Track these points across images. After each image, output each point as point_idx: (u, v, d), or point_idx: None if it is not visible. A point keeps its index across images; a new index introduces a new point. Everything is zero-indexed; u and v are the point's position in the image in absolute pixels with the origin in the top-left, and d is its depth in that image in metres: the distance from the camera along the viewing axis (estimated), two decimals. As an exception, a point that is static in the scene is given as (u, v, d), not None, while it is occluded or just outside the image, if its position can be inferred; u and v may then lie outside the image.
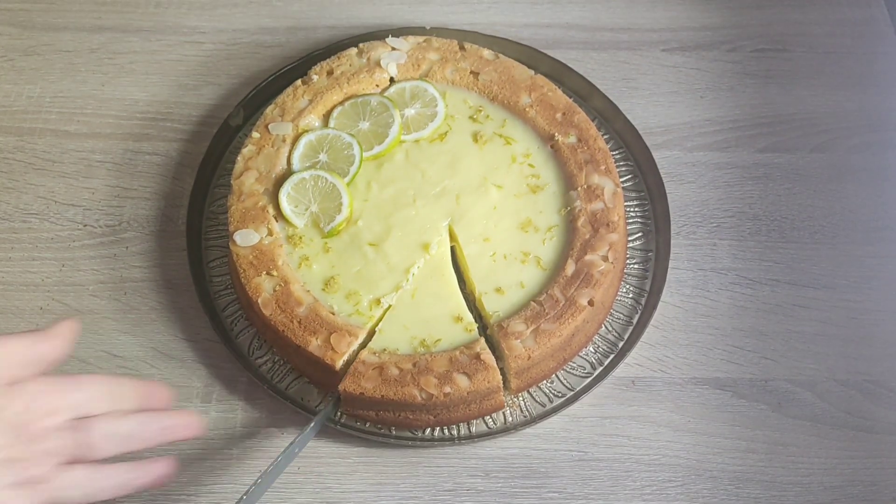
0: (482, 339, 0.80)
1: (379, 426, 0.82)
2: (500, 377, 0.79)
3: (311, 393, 0.84)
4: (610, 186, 0.88)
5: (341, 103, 0.93)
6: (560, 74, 1.01)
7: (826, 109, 1.04)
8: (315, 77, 0.95)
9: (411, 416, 0.80)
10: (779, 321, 0.90)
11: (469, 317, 0.82)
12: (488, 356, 0.79)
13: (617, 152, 0.97)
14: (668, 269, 0.89)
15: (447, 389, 0.76)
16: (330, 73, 0.95)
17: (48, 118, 1.02)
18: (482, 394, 0.78)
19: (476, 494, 0.81)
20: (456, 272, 0.90)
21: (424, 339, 0.80)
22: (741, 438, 0.84)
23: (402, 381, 0.77)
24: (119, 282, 0.92)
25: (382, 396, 0.77)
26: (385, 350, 0.80)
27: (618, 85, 1.05)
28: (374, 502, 0.81)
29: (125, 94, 1.04)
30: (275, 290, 0.82)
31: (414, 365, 0.78)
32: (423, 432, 0.82)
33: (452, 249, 0.88)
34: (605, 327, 0.88)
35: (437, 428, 0.82)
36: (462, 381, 0.77)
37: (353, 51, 0.97)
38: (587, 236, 0.85)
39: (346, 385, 0.78)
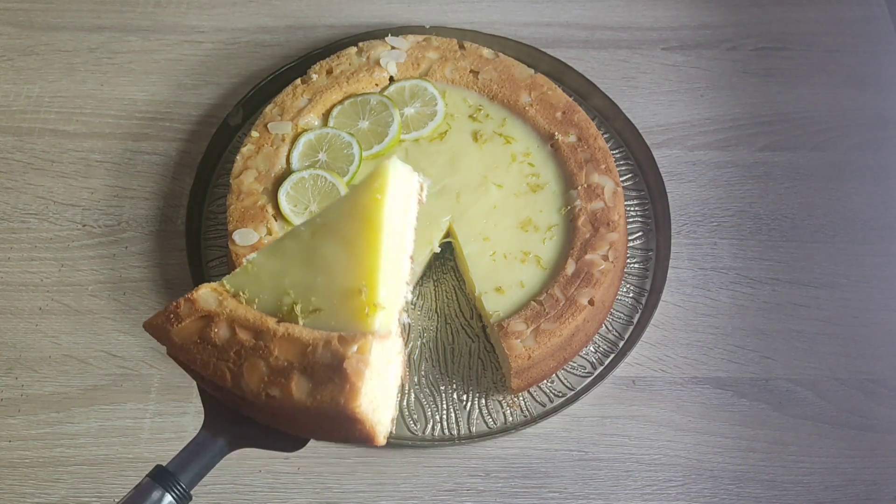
0: (370, 339, 0.52)
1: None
2: (360, 402, 0.51)
3: (311, 393, 0.83)
4: (610, 185, 0.87)
5: (341, 102, 0.93)
6: (560, 73, 1.01)
7: (826, 108, 1.04)
8: (314, 76, 0.95)
9: (241, 404, 0.56)
10: (779, 320, 0.90)
11: (379, 295, 0.53)
12: (356, 367, 0.51)
13: (617, 151, 0.97)
14: (669, 269, 0.89)
15: (273, 392, 0.52)
16: (329, 72, 0.95)
17: (47, 118, 1.02)
18: (329, 416, 0.52)
19: (476, 494, 0.81)
20: (456, 272, 0.90)
21: (297, 302, 0.54)
22: (742, 438, 0.84)
23: (223, 350, 0.54)
24: (118, 282, 0.92)
25: (187, 362, 0.55)
26: (239, 295, 0.56)
27: (618, 84, 1.05)
28: (374, 502, 0.81)
29: (124, 94, 1.04)
30: (274, 290, 0.82)
31: (256, 335, 0.54)
32: (423, 432, 0.82)
33: (449, 247, 0.88)
34: (606, 327, 0.88)
35: (432, 427, 0.82)
36: (299, 387, 0.52)
37: (353, 50, 0.97)
38: (587, 235, 0.84)
39: (151, 325, 0.56)
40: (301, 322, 0.54)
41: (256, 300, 0.55)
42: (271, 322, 0.54)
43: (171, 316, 0.55)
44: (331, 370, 0.51)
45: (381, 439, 0.54)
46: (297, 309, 0.54)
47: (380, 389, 0.53)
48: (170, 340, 0.55)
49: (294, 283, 0.55)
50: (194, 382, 0.85)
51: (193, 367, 0.55)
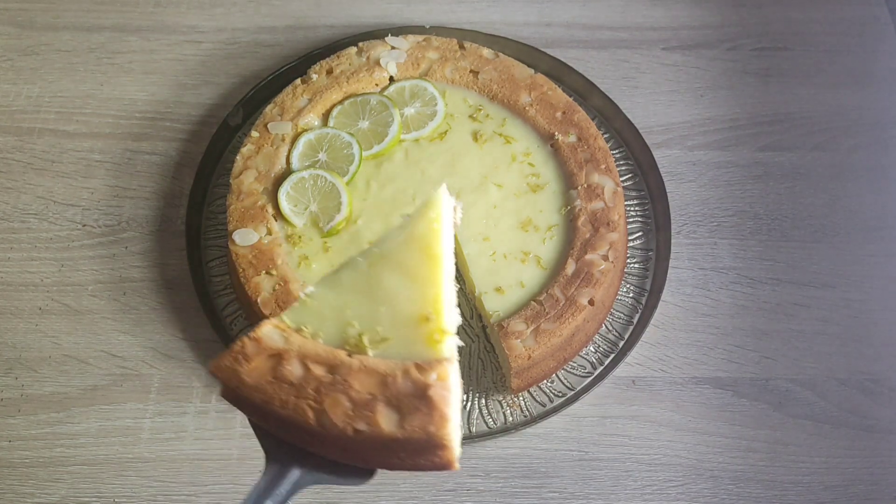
0: (447, 363, 0.52)
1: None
2: (451, 429, 0.51)
3: (311, 393, 0.83)
4: (610, 185, 0.87)
5: (341, 102, 0.93)
6: (560, 73, 1.01)
7: (826, 108, 1.04)
8: (314, 76, 0.95)
9: (310, 440, 0.55)
10: (779, 320, 0.90)
11: (445, 321, 0.54)
12: (441, 393, 0.51)
13: (617, 151, 0.97)
14: (669, 269, 0.89)
15: (359, 425, 0.51)
16: (329, 72, 0.95)
17: (47, 118, 1.02)
18: (416, 445, 0.52)
19: (476, 494, 0.81)
20: (456, 272, 0.90)
21: (364, 333, 0.54)
22: (742, 438, 0.84)
23: (300, 388, 0.53)
24: (118, 282, 0.92)
25: (264, 402, 0.53)
26: (302, 330, 0.55)
27: (618, 84, 1.05)
28: (374, 502, 0.81)
29: (124, 94, 1.04)
30: (274, 290, 0.82)
31: (330, 369, 0.53)
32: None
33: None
34: (606, 327, 0.88)
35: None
36: (387, 420, 0.51)
37: (353, 50, 0.97)
38: (587, 235, 0.84)
39: (220, 368, 0.54)
40: (370, 353, 0.54)
41: (321, 334, 0.55)
42: (342, 355, 0.53)
43: (239, 356, 0.54)
44: (416, 399, 0.51)
45: (458, 464, 0.54)
46: (365, 340, 0.54)
47: (455, 414, 0.54)
48: (241, 381, 0.53)
49: (357, 315, 0.55)
50: (194, 383, 0.86)
51: (271, 406, 0.53)
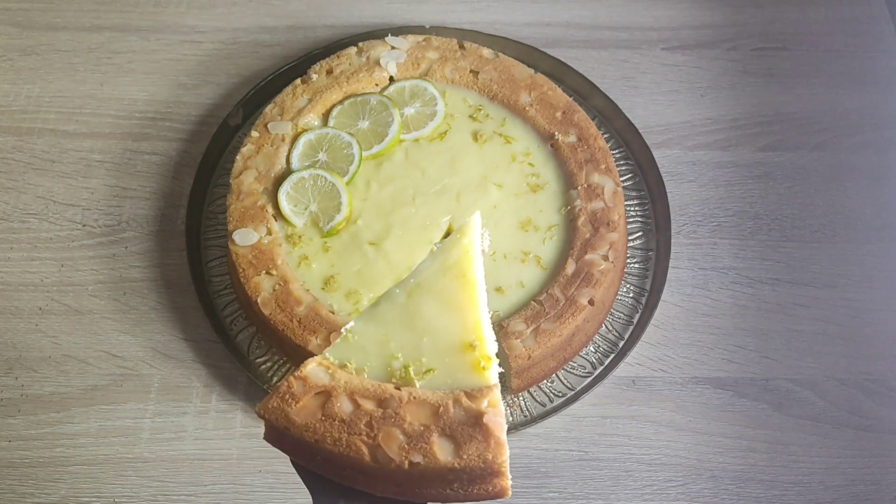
0: (495, 389, 0.54)
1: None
2: (506, 455, 0.52)
3: (311, 393, 0.83)
4: (610, 185, 0.87)
5: (341, 102, 0.93)
6: (560, 73, 1.01)
7: (826, 108, 1.04)
8: (314, 76, 0.95)
9: (360, 478, 0.55)
10: (780, 320, 0.90)
11: (488, 347, 0.55)
12: (496, 419, 0.52)
13: (617, 151, 0.97)
14: (669, 269, 0.89)
15: (415, 458, 0.51)
16: (329, 72, 0.95)
17: (47, 118, 1.02)
18: (472, 474, 0.52)
19: (476, 494, 0.81)
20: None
21: (409, 364, 0.55)
22: (742, 438, 0.84)
23: (352, 424, 0.52)
24: (118, 282, 0.92)
25: (316, 441, 0.53)
26: (346, 366, 0.55)
27: (618, 83, 1.05)
28: (374, 502, 0.81)
29: (124, 94, 1.04)
30: (274, 290, 0.82)
31: (379, 403, 0.53)
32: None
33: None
34: (606, 327, 0.88)
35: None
36: (442, 450, 0.52)
37: (353, 50, 0.97)
38: (587, 235, 0.84)
39: (269, 410, 0.54)
40: (418, 384, 0.54)
41: (366, 368, 0.55)
42: (390, 388, 0.54)
43: (287, 396, 0.54)
44: (470, 427, 0.51)
45: (510, 491, 0.54)
46: (412, 371, 0.54)
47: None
48: (291, 422, 0.53)
49: (400, 347, 0.55)
50: (194, 383, 0.86)
51: (322, 445, 0.53)
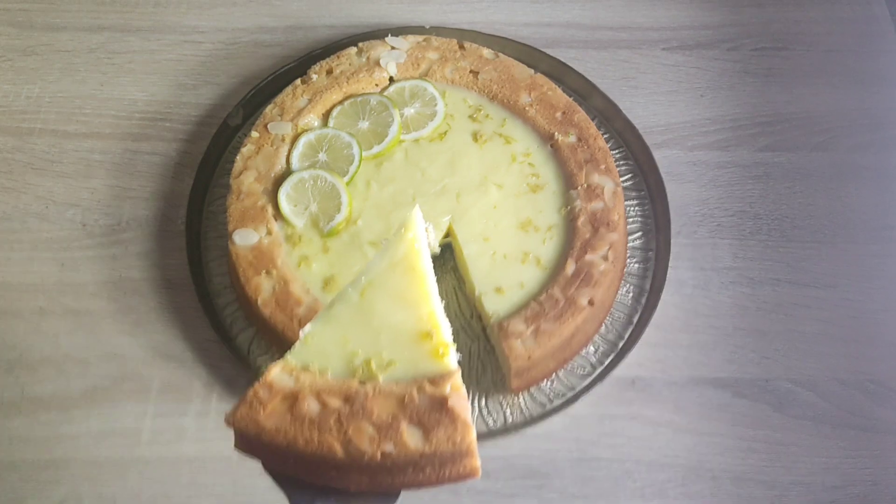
0: (456, 373, 0.56)
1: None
2: (473, 435, 0.54)
3: (311, 393, 0.83)
4: (610, 185, 0.87)
5: (341, 102, 0.93)
6: (560, 73, 1.01)
7: (827, 108, 1.04)
8: (314, 76, 0.95)
9: (334, 475, 0.56)
10: (780, 321, 0.90)
11: (444, 334, 0.57)
12: (460, 402, 0.54)
13: (617, 151, 0.97)
14: (669, 269, 0.89)
15: (387, 447, 0.53)
16: (329, 72, 0.95)
17: (47, 118, 1.02)
18: (442, 458, 0.54)
19: (476, 494, 0.81)
20: (456, 272, 0.90)
21: (370, 360, 0.57)
22: (742, 438, 0.84)
23: (322, 423, 0.54)
24: (118, 282, 0.92)
25: (288, 444, 0.54)
26: (307, 368, 0.57)
27: (618, 84, 1.05)
28: (374, 503, 0.81)
29: (124, 94, 1.04)
30: (274, 290, 0.82)
31: (346, 400, 0.54)
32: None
33: (449, 247, 0.88)
34: (606, 327, 0.88)
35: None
36: (412, 437, 0.53)
37: (353, 50, 0.97)
38: (587, 236, 0.84)
39: (238, 418, 0.55)
40: (381, 378, 0.55)
41: (328, 369, 0.56)
42: (355, 384, 0.55)
43: (254, 403, 0.55)
44: (436, 413, 0.53)
45: (480, 470, 0.55)
46: (373, 365, 0.56)
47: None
48: (261, 427, 0.55)
49: (359, 344, 0.57)
50: (194, 383, 0.86)
51: (295, 447, 0.54)
